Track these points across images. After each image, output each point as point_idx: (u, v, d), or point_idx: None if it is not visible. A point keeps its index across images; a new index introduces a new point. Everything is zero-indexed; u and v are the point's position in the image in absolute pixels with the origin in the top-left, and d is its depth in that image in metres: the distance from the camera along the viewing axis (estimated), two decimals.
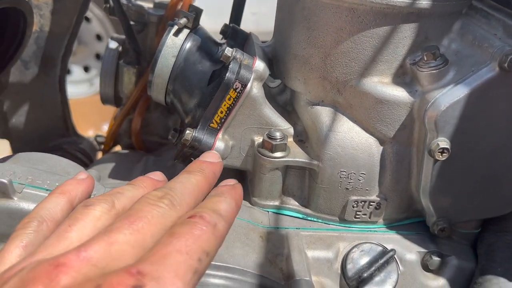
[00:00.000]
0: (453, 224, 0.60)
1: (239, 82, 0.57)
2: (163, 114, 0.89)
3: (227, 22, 0.75)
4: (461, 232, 0.62)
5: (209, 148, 0.59)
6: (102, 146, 0.91)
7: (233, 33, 0.69)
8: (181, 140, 0.60)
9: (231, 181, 0.46)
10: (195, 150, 0.60)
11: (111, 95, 0.86)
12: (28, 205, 0.51)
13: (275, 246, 0.56)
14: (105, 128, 2.34)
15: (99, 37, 2.71)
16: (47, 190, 0.53)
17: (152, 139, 0.90)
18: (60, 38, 0.86)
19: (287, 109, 0.65)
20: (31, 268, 0.34)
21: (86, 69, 2.83)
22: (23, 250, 0.39)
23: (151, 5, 0.83)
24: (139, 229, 0.37)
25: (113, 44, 0.86)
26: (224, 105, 0.59)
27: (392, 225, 0.62)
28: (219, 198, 0.43)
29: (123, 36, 0.88)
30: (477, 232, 0.62)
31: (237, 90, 0.58)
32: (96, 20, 2.64)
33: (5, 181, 0.50)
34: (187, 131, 0.59)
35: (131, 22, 0.81)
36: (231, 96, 0.58)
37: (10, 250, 0.39)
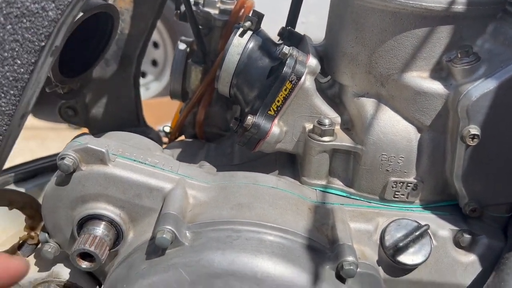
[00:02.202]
0: (484, 206, 0.66)
1: (294, 75, 0.67)
2: (222, 108, 1.00)
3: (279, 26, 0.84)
4: (493, 215, 0.68)
5: (267, 132, 0.69)
6: (169, 136, 1.03)
7: (289, 34, 0.79)
8: (243, 125, 0.70)
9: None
10: (254, 134, 0.70)
11: (179, 91, 0.98)
12: (119, 171, 0.63)
13: (322, 217, 0.65)
14: (159, 129, 2.50)
15: (155, 45, 2.89)
16: (134, 160, 0.65)
17: (212, 130, 1.00)
18: (137, 39, 0.99)
19: (335, 101, 0.74)
20: None
21: (143, 74, 3.02)
22: None
23: (216, 11, 0.94)
24: None
25: (182, 46, 0.98)
26: (281, 95, 0.68)
27: (427, 205, 0.69)
28: None
29: (190, 39, 1.00)
30: (508, 216, 0.68)
31: (293, 82, 0.67)
32: None
33: (103, 150, 0.62)
34: (248, 117, 0.69)
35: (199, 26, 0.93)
36: (287, 87, 0.67)
37: None
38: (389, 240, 0.64)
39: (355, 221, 0.66)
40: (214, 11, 0.94)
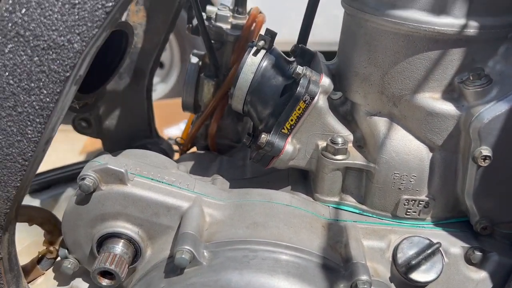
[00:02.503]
0: (496, 224, 0.67)
1: (308, 95, 0.68)
2: (233, 121, 1.01)
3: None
4: (504, 232, 0.69)
5: (280, 150, 0.70)
6: (181, 147, 1.05)
7: (302, 52, 0.80)
8: (257, 143, 0.71)
9: None
10: (268, 151, 0.71)
11: (191, 103, 1.00)
12: (138, 191, 0.64)
13: (335, 234, 0.66)
14: (166, 132, 2.52)
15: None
16: (152, 179, 0.66)
17: (224, 142, 1.02)
18: (150, 53, 1.01)
19: (347, 119, 0.75)
20: None
21: None
22: None
23: (228, 26, 0.95)
24: None
25: (194, 59, 0.99)
26: (295, 114, 0.69)
27: (439, 222, 0.70)
28: None
29: (202, 52, 1.02)
30: None
31: (306, 102, 0.68)
32: None
33: (123, 170, 0.63)
34: (263, 135, 0.70)
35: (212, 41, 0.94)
36: (300, 107, 0.69)
37: None
38: (401, 257, 0.65)
39: (368, 238, 0.67)
40: (226, 26, 0.95)
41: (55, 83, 0.50)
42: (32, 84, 0.49)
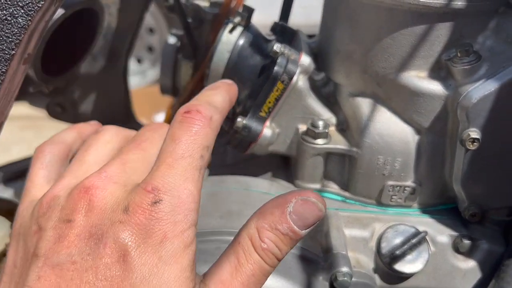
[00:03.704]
0: (485, 210, 0.63)
1: (286, 75, 0.63)
2: None
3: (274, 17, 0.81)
4: (494, 219, 0.65)
5: (258, 134, 0.66)
6: None
7: (282, 30, 0.75)
8: (233, 127, 0.67)
9: (228, 81, 0.50)
10: (245, 136, 0.67)
11: (169, 86, 0.95)
12: None
13: None
14: (155, 118, 2.47)
15: (151, 30, 2.85)
16: None
17: None
18: (125, 33, 0.95)
19: (330, 100, 0.70)
20: (66, 196, 0.40)
21: (139, 60, 2.97)
22: (46, 170, 0.46)
23: (207, 4, 0.90)
24: (144, 148, 0.43)
25: (172, 40, 0.94)
26: (272, 96, 0.65)
27: (426, 209, 0.66)
28: (214, 91, 0.46)
29: (180, 32, 0.97)
30: (509, 219, 0.66)
31: (284, 83, 0.64)
32: (149, 13, 2.78)
33: None
34: (238, 119, 0.66)
35: (189, 20, 0.89)
36: (278, 88, 0.64)
37: (35, 172, 0.46)
38: (385, 247, 0.61)
39: (351, 227, 0.63)
40: (204, 4, 0.90)
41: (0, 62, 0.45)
42: None
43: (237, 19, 0.69)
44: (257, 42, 0.70)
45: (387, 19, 0.58)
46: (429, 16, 0.56)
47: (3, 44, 0.45)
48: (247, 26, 0.71)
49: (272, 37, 0.75)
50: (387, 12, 0.58)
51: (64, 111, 1.02)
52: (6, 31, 0.44)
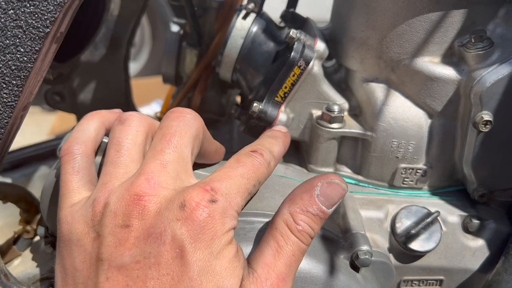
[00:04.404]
0: (492, 192, 0.66)
1: (303, 60, 0.65)
2: (217, 93, 0.97)
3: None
4: (499, 200, 0.68)
5: (274, 119, 0.67)
6: None
7: (292, 17, 0.76)
8: (249, 112, 0.67)
9: (283, 129, 0.58)
10: (260, 121, 0.68)
11: (172, 75, 0.95)
12: None
13: None
14: (141, 111, 2.45)
15: None
16: None
17: (207, 115, 0.98)
18: (127, 21, 0.95)
19: (342, 87, 0.72)
20: (117, 202, 0.42)
21: None
22: (79, 174, 0.47)
23: None
24: (177, 145, 0.45)
25: (175, 28, 0.94)
26: (288, 81, 0.66)
27: (435, 191, 0.69)
28: (274, 141, 0.54)
29: (182, 20, 0.97)
30: None
31: (301, 68, 0.65)
32: None
33: (105, 140, 0.59)
34: (255, 104, 0.67)
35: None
36: (295, 73, 0.65)
37: (69, 179, 0.47)
38: (400, 227, 0.63)
39: (366, 209, 0.65)
40: None
41: (34, 40, 0.45)
42: (7, 41, 0.44)
43: (251, 5, 0.70)
44: (270, 28, 0.71)
45: (405, 5, 0.60)
46: (445, 3, 0.59)
47: (38, 22, 0.44)
48: (260, 12, 0.72)
49: (283, 25, 0.76)
50: None
51: (63, 100, 1.00)
52: (42, 8, 0.44)
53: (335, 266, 0.57)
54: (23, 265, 0.68)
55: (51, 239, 0.64)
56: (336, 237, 0.60)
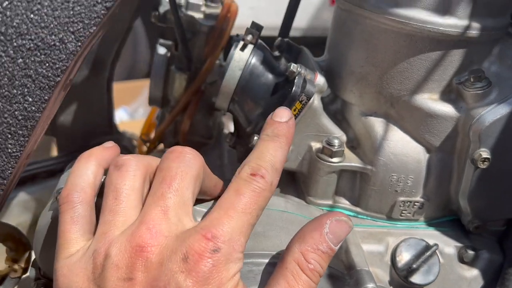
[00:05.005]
0: (485, 222, 0.68)
1: (304, 95, 0.64)
2: (205, 116, 0.96)
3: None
4: (490, 230, 0.70)
5: None
6: (148, 145, 0.98)
7: (288, 47, 0.76)
8: (249, 145, 0.67)
9: (286, 115, 0.51)
10: None
11: (159, 98, 0.92)
12: None
13: None
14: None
15: None
16: None
17: (194, 139, 0.96)
18: (111, 42, 0.92)
19: (338, 118, 0.72)
20: (118, 254, 0.40)
21: None
22: (78, 224, 0.45)
23: (201, 15, 0.89)
24: (178, 188, 0.44)
25: (162, 50, 0.92)
26: None
27: (430, 222, 0.70)
28: (277, 144, 0.48)
29: (169, 42, 0.95)
30: (504, 229, 0.71)
31: (302, 102, 0.65)
32: None
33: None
34: (255, 138, 0.66)
35: None
36: (296, 108, 0.65)
37: (68, 229, 0.44)
38: (400, 261, 0.64)
39: (366, 242, 0.66)
40: (198, 15, 0.89)
41: (43, 89, 0.42)
42: (15, 91, 0.41)
43: (249, 37, 0.69)
44: (268, 60, 0.70)
45: (406, 44, 0.61)
46: (446, 43, 0.60)
47: (49, 71, 0.42)
48: (257, 43, 0.71)
49: (278, 54, 0.76)
50: (406, 37, 0.60)
51: None
52: (54, 57, 0.42)
53: None
54: None
55: (44, 281, 0.61)
56: (341, 274, 0.60)
